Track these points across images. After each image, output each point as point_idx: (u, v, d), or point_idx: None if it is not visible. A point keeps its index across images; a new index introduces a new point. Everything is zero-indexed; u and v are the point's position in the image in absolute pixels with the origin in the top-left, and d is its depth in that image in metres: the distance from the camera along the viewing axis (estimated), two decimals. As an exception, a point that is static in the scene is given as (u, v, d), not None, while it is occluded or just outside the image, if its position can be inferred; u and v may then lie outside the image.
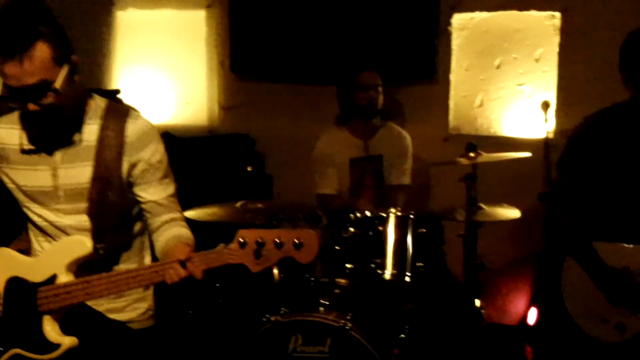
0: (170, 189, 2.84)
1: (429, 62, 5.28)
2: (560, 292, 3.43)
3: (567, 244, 3.47)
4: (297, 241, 2.31)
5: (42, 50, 2.44)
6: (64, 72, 2.51)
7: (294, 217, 3.73)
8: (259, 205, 3.78)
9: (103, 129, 2.70)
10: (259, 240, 2.33)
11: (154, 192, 2.79)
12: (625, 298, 3.30)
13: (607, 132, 3.37)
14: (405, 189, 4.77)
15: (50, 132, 2.67)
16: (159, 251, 2.79)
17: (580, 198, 3.47)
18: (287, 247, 2.33)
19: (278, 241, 2.32)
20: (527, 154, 4.04)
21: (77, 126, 2.69)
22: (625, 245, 3.37)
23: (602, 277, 3.34)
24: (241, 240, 2.34)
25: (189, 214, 3.73)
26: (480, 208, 4.03)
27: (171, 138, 5.53)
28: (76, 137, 2.68)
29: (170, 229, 2.79)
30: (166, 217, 2.81)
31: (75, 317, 2.58)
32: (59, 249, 2.63)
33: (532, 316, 4.91)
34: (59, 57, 2.49)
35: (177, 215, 2.85)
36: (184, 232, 2.81)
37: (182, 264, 2.42)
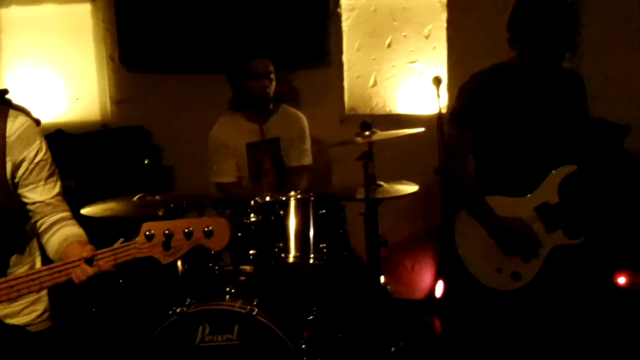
0: (57, 187, 2.79)
1: (320, 45, 5.30)
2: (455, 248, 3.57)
3: (461, 198, 3.60)
4: (207, 229, 2.32)
5: None
6: None
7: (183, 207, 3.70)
8: (157, 197, 3.73)
9: None
10: (167, 231, 2.32)
11: (41, 192, 2.74)
12: (517, 246, 3.46)
13: (496, 88, 3.52)
14: (307, 170, 4.80)
15: None
16: (53, 252, 2.71)
17: (473, 151, 3.62)
18: (197, 236, 2.33)
19: (187, 231, 2.32)
20: (421, 130, 4.10)
21: None
22: (514, 198, 3.52)
23: (496, 228, 3.49)
24: (147, 233, 2.33)
25: (86, 210, 3.66)
26: (380, 185, 4.08)
27: (64, 135, 5.42)
28: None
29: (63, 229, 2.73)
30: (56, 217, 2.76)
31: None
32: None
33: (439, 289, 5.01)
34: None
35: (66, 214, 2.80)
36: (77, 230, 2.75)
37: (89, 261, 2.38)
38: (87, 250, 2.43)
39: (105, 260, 2.40)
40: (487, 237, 3.50)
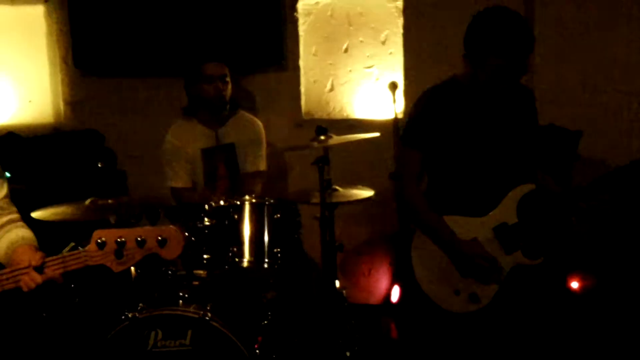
0: (5, 189, 2.77)
1: (277, 49, 5.28)
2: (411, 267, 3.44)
3: (415, 219, 3.47)
4: (160, 238, 2.32)
5: None
6: None
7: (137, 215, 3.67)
8: (109, 201, 3.68)
9: None
10: (119, 239, 2.31)
11: None
12: (474, 268, 3.33)
13: (448, 105, 3.39)
14: (262, 175, 4.76)
15: None
16: (2, 253, 2.67)
17: (426, 170, 3.48)
18: (150, 245, 2.33)
19: (140, 239, 2.31)
20: (375, 134, 4.11)
21: None
22: (471, 218, 3.40)
23: (453, 249, 3.36)
24: (99, 240, 2.31)
25: (37, 214, 3.60)
26: (335, 190, 4.08)
27: (16, 138, 5.35)
28: None
29: (12, 231, 2.70)
30: (4, 218, 2.73)
31: None
32: None
33: (395, 294, 5.02)
34: None
35: (15, 216, 2.77)
36: (26, 233, 2.72)
37: (38, 269, 2.34)
38: (36, 259, 2.40)
39: (55, 267, 2.37)
40: (445, 258, 3.38)
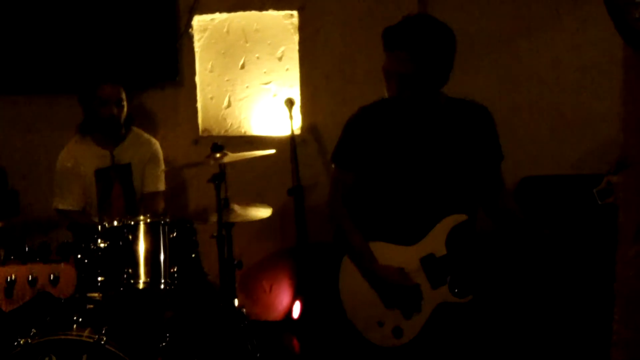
0: None
1: (172, 65, 5.22)
2: (337, 289, 3.26)
3: (342, 241, 3.29)
4: (52, 276, 2.26)
5: None
6: None
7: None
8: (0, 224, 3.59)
9: None
10: (10, 278, 2.24)
11: None
12: (398, 300, 3.17)
13: (377, 124, 3.24)
14: (161, 195, 4.72)
15: None
16: None
17: (357, 192, 3.30)
18: (42, 283, 2.27)
19: (31, 278, 2.25)
20: (272, 151, 4.12)
21: None
22: (400, 246, 3.22)
23: (375, 278, 3.19)
24: (-12, 278, 2.23)
25: None
26: (232, 210, 4.06)
27: None
28: None
29: None
30: None
31: None
32: None
33: (296, 310, 5.02)
34: None
35: None
36: None
37: None
38: None
39: None
40: (371, 287, 3.20)
